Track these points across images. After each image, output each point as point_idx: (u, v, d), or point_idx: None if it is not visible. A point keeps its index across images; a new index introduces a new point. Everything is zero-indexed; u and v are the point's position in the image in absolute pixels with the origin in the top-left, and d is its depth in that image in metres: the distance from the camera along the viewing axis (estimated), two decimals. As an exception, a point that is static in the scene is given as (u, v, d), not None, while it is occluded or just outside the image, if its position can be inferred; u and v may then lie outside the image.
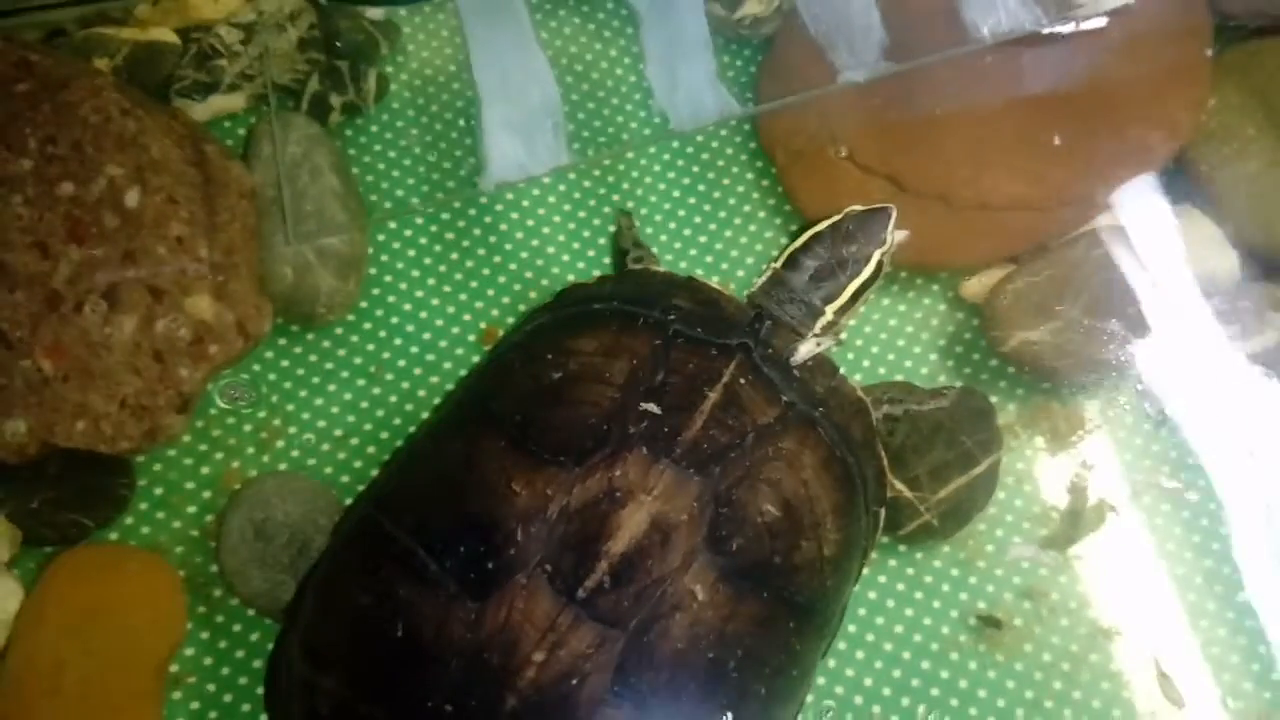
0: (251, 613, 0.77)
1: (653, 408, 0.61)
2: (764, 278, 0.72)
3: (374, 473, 0.80)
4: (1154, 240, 0.87)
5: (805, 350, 0.66)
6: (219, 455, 0.82)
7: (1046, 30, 0.87)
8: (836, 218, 0.71)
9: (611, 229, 0.90)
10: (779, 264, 0.71)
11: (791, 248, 0.72)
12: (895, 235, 0.71)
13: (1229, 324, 0.85)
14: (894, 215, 0.71)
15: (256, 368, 0.84)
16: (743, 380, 0.63)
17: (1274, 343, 0.84)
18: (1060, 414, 0.85)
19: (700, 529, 0.59)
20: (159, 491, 0.80)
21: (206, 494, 0.80)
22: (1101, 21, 0.90)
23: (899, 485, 0.77)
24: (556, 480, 0.59)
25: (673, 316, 0.65)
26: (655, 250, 0.86)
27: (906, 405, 0.77)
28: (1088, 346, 0.83)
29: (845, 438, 0.65)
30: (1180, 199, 0.89)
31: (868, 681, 0.78)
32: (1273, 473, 0.83)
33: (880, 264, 0.71)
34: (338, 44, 0.92)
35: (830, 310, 0.70)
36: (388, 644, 0.58)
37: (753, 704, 0.59)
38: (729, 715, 0.58)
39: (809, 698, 0.75)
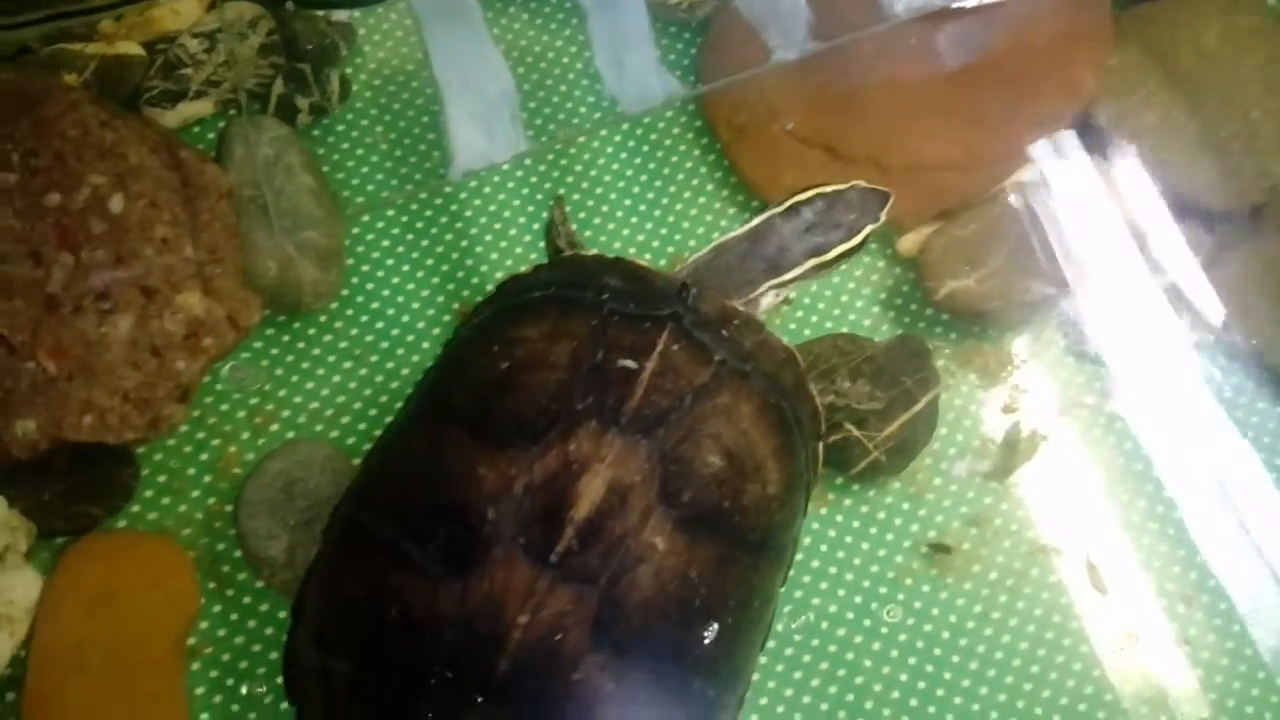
0: (260, 585, 0.82)
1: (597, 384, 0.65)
2: (749, 225, 0.76)
3: (366, 447, 0.86)
4: (1065, 191, 0.95)
5: (766, 303, 0.72)
6: (217, 441, 0.86)
7: (955, 5, 0.94)
8: (843, 186, 0.76)
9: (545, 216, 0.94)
10: (779, 210, 0.76)
11: (795, 199, 0.76)
12: (883, 219, 0.76)
13: (1135, 262, 0.94)
14: (891, 200, 0.76)
15: (247, 356, 0.89)
16: (676, 347, 0.67)
17: (1175, 277, 0.93)
18: (990, 353, 0.93)
19: (653, 487, 0.64)
20: (163, 479, 0.85)
21: (208, 478, 0.85)
22: (1005, -6, 0.98)
23: (848, 425, 0.85)
24: (517, 461, 0.63)
25: (606, 296, 0.69)
26: (588, 235, 0.91)
27: (841, 393, 0.83)
28: (1011, 290, 0.91)
29: (777, 386, 0.70)
30: (1088, 151, 0.97)
31: (832, 608, 0.86)
32: (1180, 388, 0.92)
33: (866, 239, 0.76)
34: (303, 47, 0.96)
35: (810, 264, 0.75)
36: (386, 627, 0.63)
37: (722, 634, 0.65)
38: (703, 644, 0.63)
39: (778, 627, 0.82)
